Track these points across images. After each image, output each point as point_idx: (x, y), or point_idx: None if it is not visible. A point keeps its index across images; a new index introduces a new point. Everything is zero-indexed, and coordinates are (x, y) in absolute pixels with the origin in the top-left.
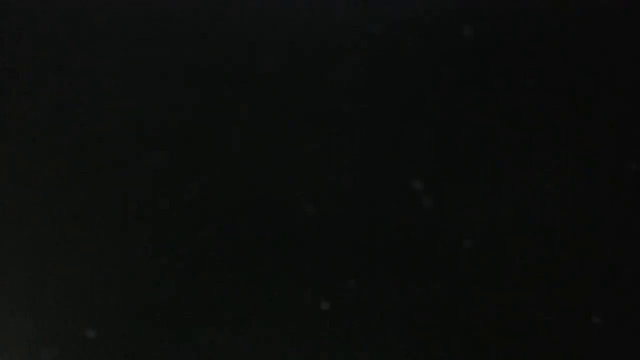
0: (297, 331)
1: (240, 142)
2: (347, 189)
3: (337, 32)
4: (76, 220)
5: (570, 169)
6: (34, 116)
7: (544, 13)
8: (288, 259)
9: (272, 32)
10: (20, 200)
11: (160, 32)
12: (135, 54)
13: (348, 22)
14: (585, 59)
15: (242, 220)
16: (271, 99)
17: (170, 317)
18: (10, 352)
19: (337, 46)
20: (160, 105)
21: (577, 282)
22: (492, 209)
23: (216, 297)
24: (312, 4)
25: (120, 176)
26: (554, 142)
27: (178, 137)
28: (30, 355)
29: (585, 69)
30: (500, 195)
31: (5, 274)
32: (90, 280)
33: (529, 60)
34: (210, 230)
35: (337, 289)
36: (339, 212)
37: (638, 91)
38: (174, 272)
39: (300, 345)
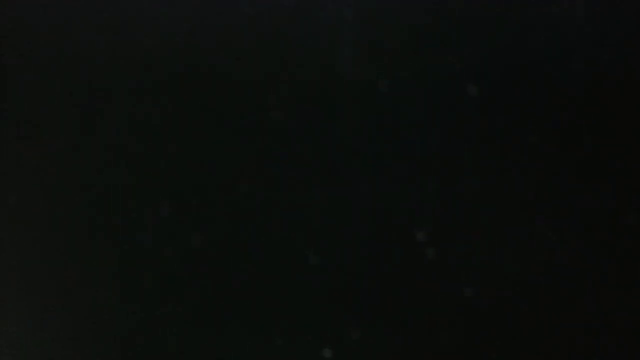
0: None
1: (244, 191)
2: (350, 239)
3: (342, 87)
4: (75, 271)
5: (572, 221)
6: (33, 166)
7: (549, 72)
8: (291, 307)
9: (277, 87)
10: (17, 251)
11: (166, 88)
12: (142, 107)
13: (353, 77)
14: (590, 117)
15: (245, 268)
16: (276, 151)
17: None
18: None
19: (342, 101)
20: (164, 154)
21: (577, 330)
22: (494, 260)
23: (219, 345)
24: (317, 59)
25: (121, 225)
26: (556, 196)
27: (181, 186)
28: None
29: (590, 127)
30: (502, 247)
31: (5, 324)
32: (90, 331)
33: (533, 118)
34: (212, 279)
35: (340, 337)
36: (342, 261)
37: (638, 148)
38: (176, 320)
39: None
